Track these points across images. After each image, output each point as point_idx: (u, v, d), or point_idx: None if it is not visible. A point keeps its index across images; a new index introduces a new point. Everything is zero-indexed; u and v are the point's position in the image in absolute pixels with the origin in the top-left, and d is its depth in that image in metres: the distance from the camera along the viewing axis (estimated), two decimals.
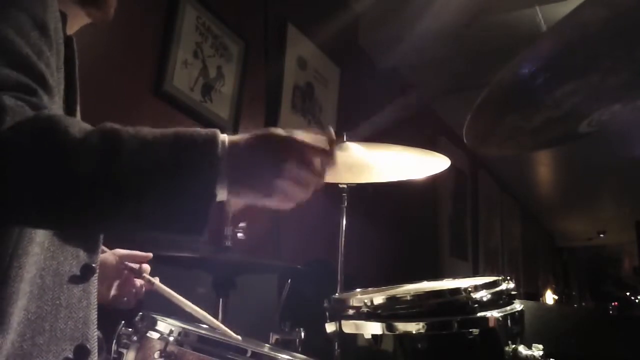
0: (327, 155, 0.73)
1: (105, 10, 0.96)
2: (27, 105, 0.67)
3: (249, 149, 0.70)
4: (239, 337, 1.07)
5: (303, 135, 0.72)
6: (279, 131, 0.72)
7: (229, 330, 1.10)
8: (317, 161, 0.72)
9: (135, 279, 1.20)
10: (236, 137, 0.71)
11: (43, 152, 0.64)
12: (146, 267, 1.21)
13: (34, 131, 0.65)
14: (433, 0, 3.17)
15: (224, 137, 0.69)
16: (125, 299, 1.20)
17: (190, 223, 0.67)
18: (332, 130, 0.75)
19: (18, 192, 0.64)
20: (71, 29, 0.94)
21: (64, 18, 0.86)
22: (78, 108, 0.94)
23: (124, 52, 2.03)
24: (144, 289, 1.22)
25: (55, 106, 0.77)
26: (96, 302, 0.91)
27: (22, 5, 0.75)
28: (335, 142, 0.74)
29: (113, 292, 1.19)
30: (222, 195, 0.69)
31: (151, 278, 1.19)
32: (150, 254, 1.22)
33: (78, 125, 0.66)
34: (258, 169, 0.71)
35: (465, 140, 1.15)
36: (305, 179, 0.72)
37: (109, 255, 1.18)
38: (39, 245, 0.81)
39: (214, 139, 0.68)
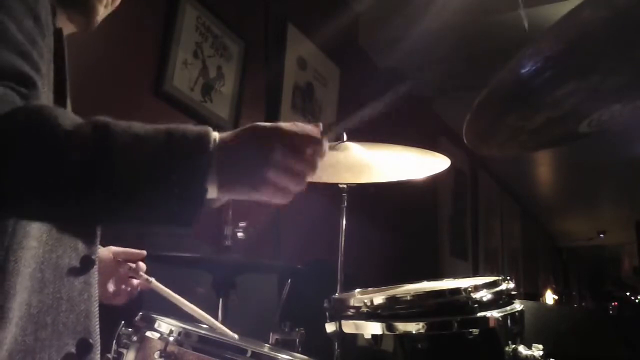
0: (316, 143, 0.74)
1: (88, 17, 0.94)
2: (17, 94, 0.67)
3: (237, 143, 0.71)
4: (235, 336, 1.07)
5: (289, 125, 0.73)
6: (265, 124, 0.73)
7: (225, 329, 1.10)
8: (306, 149, 0.73)
9: (131, 277, 1.20)
10: (225, 134, 0.72)
11: (34, 142, 0.64)
12: (142, 265, 1.20)
13: (25, 121, 0.65)
14: (433, 0, 3.17)
15: (215, 134, 0.70)
16: (119, 295, 1.20)
17: (180, 216, 0.68)
18: (320, 125, 0.76)
19: (8, 183, 0.64)
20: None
21: (53, 10, 0.85)
22: (68, 102, 0.92)
23: (124, 52, 2.03)
24: (139, 288, 1.22)
25: (44, 96, 0.77)
26: (97, 295, 0.91)
27: None
28: (324, 132, 0.74)
29: (108, 288, 1.19)
30: (213, 191, 0.70)
31: (148, 277, 1.19)
32: (144, 252, 1.22)
33: (69, 116, 0.67)
34: (247, 162, 0.71)
35: (465, 140, 1.15)
36: (295, 168, 0.73)
37: (104, 251, 1.17)
38: (36, 239, 0.80)
39: (206, 135, 0.69)
